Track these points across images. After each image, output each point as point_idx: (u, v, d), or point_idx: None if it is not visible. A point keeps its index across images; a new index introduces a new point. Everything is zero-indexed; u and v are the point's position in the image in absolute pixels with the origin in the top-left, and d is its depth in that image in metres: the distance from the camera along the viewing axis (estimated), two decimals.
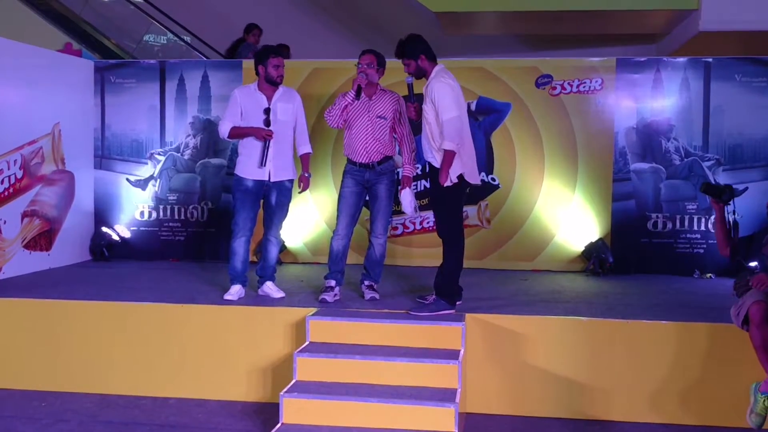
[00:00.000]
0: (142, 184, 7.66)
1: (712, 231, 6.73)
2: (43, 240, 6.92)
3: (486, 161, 7.13)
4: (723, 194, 4.54)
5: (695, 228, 6.95)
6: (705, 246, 6.91)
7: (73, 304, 5.44)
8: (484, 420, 4.91)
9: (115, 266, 7.20)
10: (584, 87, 7.05)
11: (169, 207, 7.63)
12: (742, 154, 6.89)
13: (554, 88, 7.08)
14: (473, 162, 5.16)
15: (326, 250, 5.63)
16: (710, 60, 6.95)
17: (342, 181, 5.55)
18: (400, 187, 5.46)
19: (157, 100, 7.62)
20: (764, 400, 4.13)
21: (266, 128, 5.45)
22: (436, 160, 5.02)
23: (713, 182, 6.72)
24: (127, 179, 7.68)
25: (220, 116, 7.05)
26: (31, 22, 11.14)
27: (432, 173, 5.11)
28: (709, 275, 6.82)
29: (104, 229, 7.63)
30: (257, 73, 5.56)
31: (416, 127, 5.43)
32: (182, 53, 11.99)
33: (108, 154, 7.71)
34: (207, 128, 7.55)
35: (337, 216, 5.54)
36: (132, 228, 7.69)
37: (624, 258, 6.95)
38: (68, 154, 7.26)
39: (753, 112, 6.85)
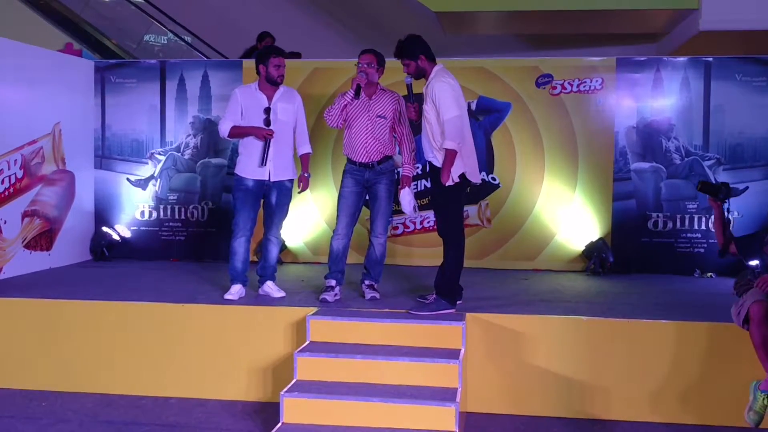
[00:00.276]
0: (142, 183, 7.66)
1: (713, 230, 6.73)
2: (43, 240, 6.92)
3: (486, 161, 7.13)
4: (719, 192, 4.54)
5: (696, 227, 6.95)
6: (705, 245, 6.91)
7: (73, 304, 5.45)
8: (485, 419, 4.91)
9: (115, 266, 7.21)
10: (584, 86, 7.05)
11: (169, 207, 7.64)
12: (743, 154, 6.89)
13: (554, 88, 7.08)
14: (474, 161, 5.16)
15: (326, 250, 5.63)
16: (710, 59, 6.95)
17: (342, 180, 5.55)
18: (399, 187, 5.46)
19: (157, 100, 7.63)
20: (763, 399, 4.14)
21: (266, 128, 5.45)
22: (437, 160, 5.02)
23: (713, 181, 6.71)
24: (128, 179, 7.69)
25: (220, 116, 7.05)
26: (31, 23, 11.16)
27: (433, 173, 5.11)
28: (709, 274, 6.82)
29: (105, 228, 7.63)
30: (258, 73, 5.56)
31: (416, 127, 5.43)
32: (183, 53, 12.01)
33: (108, 153, 7.72)
34: (207, 128, 7.55)
35: (337, 216, 5.54)
36: (132, 228, 7.70)
37: (624, 257, 6.95)
38: (69, 153, 7.26)
39: (753, 112, 6.85)
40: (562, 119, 7.07)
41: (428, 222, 7.21)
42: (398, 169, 5.60)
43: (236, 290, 5.55)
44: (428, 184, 6.85)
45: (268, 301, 5.49)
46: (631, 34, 11.38)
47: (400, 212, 5.92)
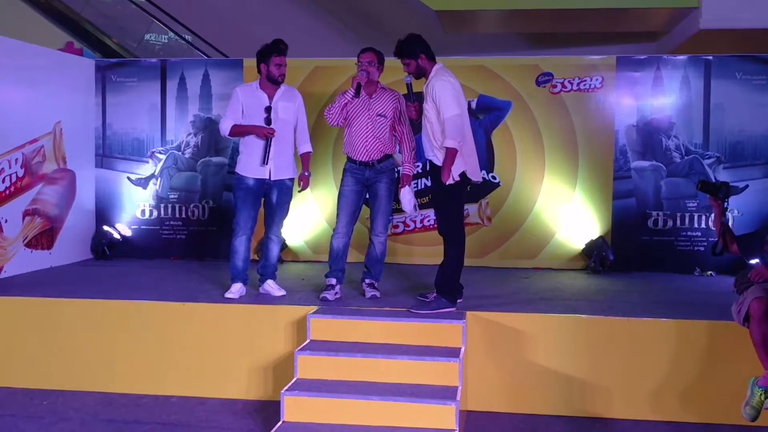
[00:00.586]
0: (143, 182, 7.67)
1: (713, 228, 6.73)
2: (44, 239, 6.93)
3: (487, 159, 7.13)
4: (719, 191, 4.54)
5: (696, 226, 6.96)
6: (705, 243, 6.91)
7: (74, 303, 5.45)
8: (485, 418, 4.92)
9: (116, 265, 7.21)
10: (585, 85, 7.05)
11: (170, 205, 7.64)
12: (743, 152, 6.89)
13: (555, 86, 7.08)
14: (475, 159, 5.17)
15: (327, 249, 5.63)
16: (710, 58, 6.95)
17: (342, 179, 5.55)
18: (399, 186, 5.46)
19: (158, 99, 7.63)
20: (761, 394, 4.15)
21: (267, 126, 5.46)
22: (437, 158, 5.02)
23: (713, 180, 6.72)
24: (128, 178, 7.69)
25: (220, 115, 7.06)
26: (32, 22, 11.17)
27: (433, 171, 5.12)
28: (709, 273, 6.83)
29: (105, 227, 7.64)
30: (259, 72, 5.57)
31: (416, 125, 5.43)
32: (183, 52, 12.01)
33: (109, 152, 7.72)
34: (208, 127, 7.55)
35: (337, 214, 5.55)
36: (133, 226, 7.70)
37: (624, 256, 6.95)
38: (69, 152, 7.27)
39: (753, 110, 6.85)
40: (563, 118, 7.07)
41: (428, 220, 7.21)
42: (398, 168, 5.60)
43: (237, 289, 5.56)
44: (428, 183, 6.85)
45: (268, 299, 5.50)
46: (631, 33, 11.37)
47: (401, 211, 5.92)
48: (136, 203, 7.69)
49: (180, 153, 7.61)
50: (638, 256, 7.01)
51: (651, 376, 4.90)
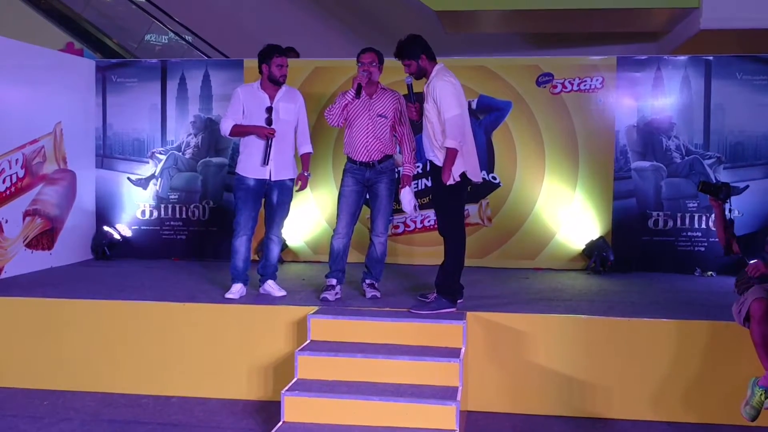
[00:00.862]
0: (143, 183, 7.67)
1: (714, 229, 6.73)
2: (44, 239, 6.93)
3: (487, 160, 7.12)
4: (720, 192, 4.54)
5: (696, 226, 6.95)
6: (706, 244, 6.91)
7: (74, 303, 5.45)
8: (485, 418, 4.92)
9: (116, 265, 7.21)
10: (585, 85, 7.04)
11: (170, 206, 7.64)
12: (743, 152, 6.89)
13: (555, 87, 7.08)
14: (475, 159, 5.17)
15: (327, 249, 5.63)
16: (711, 58, 6.95)
17: (342, 179, 5.55)
18: (400, 186, 5.46)
19: (158, 99, 7.63)
20: (761, 394, 4.16)
21: (268, 127, 5.46)
22: (437, 159, 5.02)
23: (713, 180, 6.72)
24: (129, 178, 7.69)
25: (221, 115, 7.05)
26: (32, 22, 11.16)
27: (433, 172, 5.12)
28: (710, 273, 6.82)
29: (106, 228, 7.64)
30: (260, 72, 5.57)
31: (416, 126, 5.43)
32: (183, 52, 12.01)
33: (109, 153, 7.72)
34: (208, 127, 7.55)
35: (338, 215, 5.55)
36: (133, 227, 7.70)
37: (625, 256, 6.95)
38: (70, 153, 7.27)
39: (754, 110, 6.85)
40: (563, 118, 7.07)
41: (429, 221, 7.21)
42: (398, 169, 5.60)
43: (237, 289, 5.56)
44: (429, 183, 6.85)
45: (269, 300, 5.50)
46: (631, 33, 11.38)
47: (401, 211, 5.92)
48: (136, 204, 7.69)
49: (180, 153, 7.61)
50: (639, 257, 7.00)
51: (651, 377, 4.90)
